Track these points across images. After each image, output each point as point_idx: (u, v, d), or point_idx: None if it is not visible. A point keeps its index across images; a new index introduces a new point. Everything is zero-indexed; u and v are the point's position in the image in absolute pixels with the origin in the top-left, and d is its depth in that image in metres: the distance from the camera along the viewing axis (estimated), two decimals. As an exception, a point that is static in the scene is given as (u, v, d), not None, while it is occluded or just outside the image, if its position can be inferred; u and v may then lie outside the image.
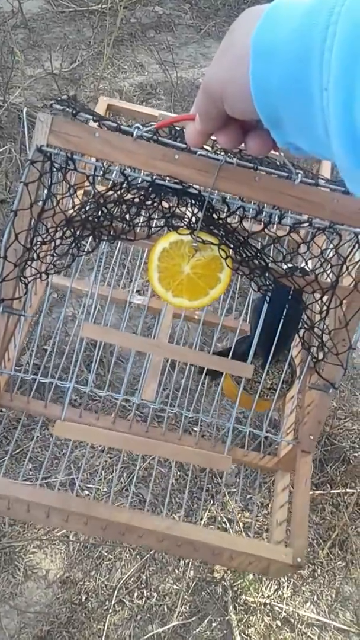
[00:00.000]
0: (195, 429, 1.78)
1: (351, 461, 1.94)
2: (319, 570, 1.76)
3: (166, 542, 0.98)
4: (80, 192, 1.30)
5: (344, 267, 0.91)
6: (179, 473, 1.79)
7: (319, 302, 0.94)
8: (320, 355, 0.95)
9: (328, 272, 0.97)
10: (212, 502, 1.80)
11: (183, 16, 3.33)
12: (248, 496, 1.81)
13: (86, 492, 1.75)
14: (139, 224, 0.92)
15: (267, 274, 0.92)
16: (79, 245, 0.93)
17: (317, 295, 0.94)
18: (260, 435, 1.09)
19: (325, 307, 0.93)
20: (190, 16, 3.34)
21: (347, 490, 1.89)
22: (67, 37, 3.05)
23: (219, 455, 0.93)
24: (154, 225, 0.92)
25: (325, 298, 0.94)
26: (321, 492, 1.87)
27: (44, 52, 2.91)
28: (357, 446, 1.98)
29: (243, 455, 1.14)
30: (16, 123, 2.52)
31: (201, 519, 1.75)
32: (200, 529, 0.95)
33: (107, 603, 1.60)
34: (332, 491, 1.88)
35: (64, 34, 3.07)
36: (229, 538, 0.94)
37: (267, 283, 0.93)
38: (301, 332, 0.97)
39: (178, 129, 0.99)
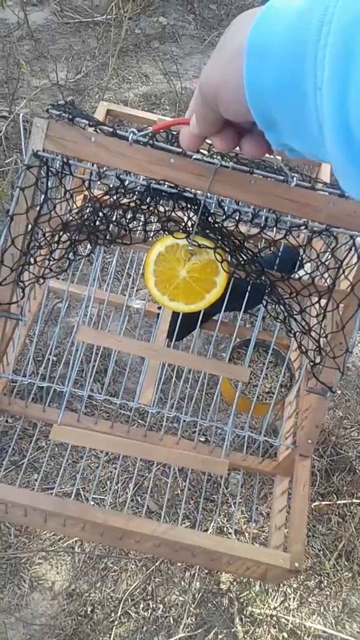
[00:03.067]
0: (195, 434, 1.78)
1: (357, 471, 1.93)
2: (325, 582, 1.75)
3: (163, 547, 0.98)
4: (79, 197, 1.31)
5: (341, 270, 0.91)
6: (183, 484, 1.78)
7: (316, 305, 0.94)
8: (318, 359, 0.95)
9: (325, 275, 0.96)
10: (218, 513, 1.79)
11: (187, 27, 3.35)
12: (254, 507, 1.80)
13: (92, 503, 1.74)
14: (135, 228, 0.92)
15: (263, 278, 0.92)
16: (75, 249, 0.93)
17: (314, 299, 0.93)
18: (259, 440, 1.09)
19: (322, 311, 0.93)
20: (194, 27, 3.35)
21: (354, 500, 1.87)
22: (72, 48, 3.07)
23: (216, 459, 0.92)
24: (150, 230, 0.92)
25: (322, 301, 0.93)
26: (327, 502, 1.86)
27: (50, 63, 2.93)
28: (364, 456, 1.97)
29: (242, 460, 1.14)
30: (25, 135, 2.53)
31: (206, 530, 1.74)
32: (197, 533, 0.94)
33: (112, 615, 1.60)
34: (339, 501, 1.86)
35: (69, 45, 3.09)
36: (226, 543, 0.93)
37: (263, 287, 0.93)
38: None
39: (174, 133, 0.99)
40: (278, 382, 1.15)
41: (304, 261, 1.05)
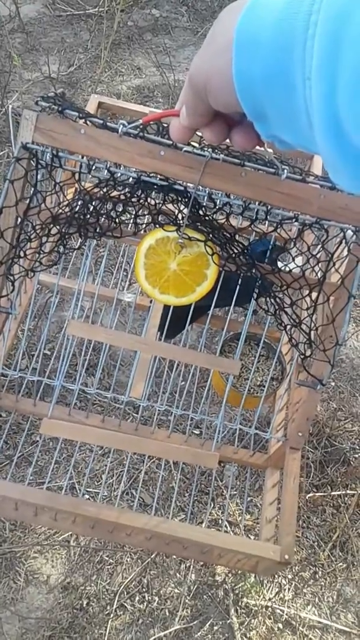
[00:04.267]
0: (187, 427, 1.78)
1: (351, 462, 1.93)
2: (320, 572, 1.75)
3: (155, 540, 0.98)
4: (70, 190, 1.30)
5: (331, 263, 0.90)
6: (179, 476, 1.78)
7: (307, 298, 0.94)
8: (308, 352, 0.95)
9: (316, 269, 0.96)
10: (212, 505, 1.79)
11: (180, 19, 3.33)
12: (249, 498, 1.81)
13: (85, 496, 1.75)
14: (126, 221, 0.92)
15: (253, 271, 0.91)
16: (65, 242, 0.92)
17: (305, 292, 0.93)
18: (250, 433, 1.09)
19: (312, 304, 0.93)
20: (187, 19, 3.34)
21: (348, 491, 1.88)
22: (65, 41, 3.06)
23: (206, 452, 0.92)
24: (140, 222, 0.92)
25: (313, 294, 0.93)
26: (322, 493, 1.86)
27: (42, 56, 2.92)
28: (358, 447, 1.98)
29: (233, 453, 1.14)
30: (15, 127, 2.53)
31: (201, 522, 1.75)
32: (188, 526, 0.95)
33: (108, 608, 1.60)
34: (333, 493, 1.87)
35: (61, 37, 3.08)
36: (217, 535, 0.94)
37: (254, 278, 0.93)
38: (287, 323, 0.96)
39: (165, 125, 0.99)
40: (269, 375, 1.15)
41: (295, 254, 1.05)
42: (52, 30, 3.11)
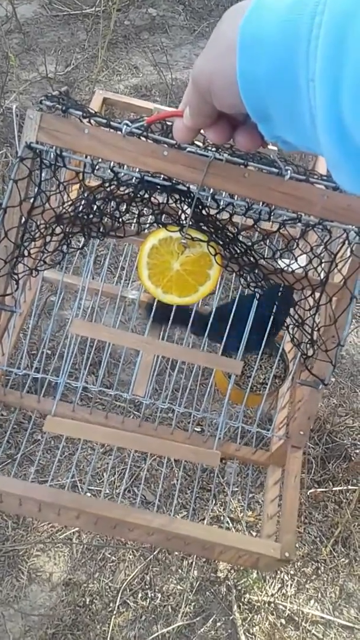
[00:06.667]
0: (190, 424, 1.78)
1: (352, 458, 1.94)
2: (322, 568, 1.76)
3: (156, 535, 0.98)
4: (75, 188, 1.30)
5: (334, 263, 0.91)
6: (180, 473, 1.79)
7: (309, 299, 0.94)
8: (310, 352, 0.95)
9: (319, 269, 0.96)
10: (214, 501, 1.80)
11: (177, 17, 3.32)
12: (250, 495, 1.81)
13: (89, 495, 1.75)
14: (129, 221, 0.92)
15: (256, 271, 0.92)
16: (69, 241, 0.93)
17: (307, 292, 0.94)
18: (252, 431, 1.09)
19: (315, 304, 0.93)
20: (184, 17, 3.33)
21: (349, 487, 1.89)
22: (62, 41, 3.05)
23: (208, 450, 0.93)
24: (143, 222, 0.92)
25: (315, 295, 0.94)
26: (323, 489, 1.87)
27: (39, 56, 2.91)
28: (358, 443, 1.98)
29: (235, 450, 1.14)
30: (12, 127, 2.53)
31: (203, 519, 1.75)
32: (190, 523, 0.95)
33: (111, 605, 1.60)
34: (334, 488, 1.87)
35: (58, 37, 3.07)
36: (218, 532, 0.94)
37: (257, 280, 0.93)
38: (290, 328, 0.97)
39: (170, 124, 0.99)
40: (272, 373, 1.16)
41: (298, 254, 1.05)
42: (49, 31, 3.10)
